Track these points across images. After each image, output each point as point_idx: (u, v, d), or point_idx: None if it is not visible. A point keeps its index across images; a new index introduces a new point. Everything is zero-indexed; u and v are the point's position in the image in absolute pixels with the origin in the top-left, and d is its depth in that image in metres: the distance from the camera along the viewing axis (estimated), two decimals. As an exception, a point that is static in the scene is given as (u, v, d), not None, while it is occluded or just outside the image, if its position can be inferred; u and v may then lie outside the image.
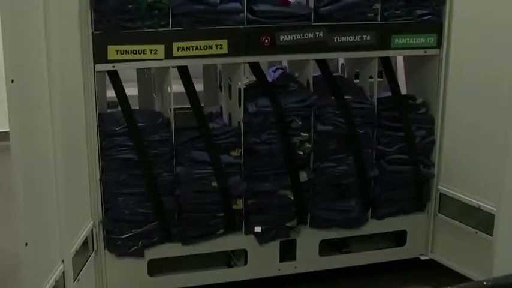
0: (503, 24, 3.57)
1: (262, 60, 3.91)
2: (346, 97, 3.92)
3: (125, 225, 3.72)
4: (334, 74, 4.10)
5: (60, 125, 3.06)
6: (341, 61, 4.42)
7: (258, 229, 3.92)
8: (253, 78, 3.91)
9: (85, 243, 3.54)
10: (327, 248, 4.17)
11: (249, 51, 3.71)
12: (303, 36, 3.75)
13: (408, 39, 3.92)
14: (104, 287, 3.78)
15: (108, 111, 3.90)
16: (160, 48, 3.56)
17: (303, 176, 3.92)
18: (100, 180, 3.64)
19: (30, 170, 2.83)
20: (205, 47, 3.62)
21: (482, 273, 3.75)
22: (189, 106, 3.77)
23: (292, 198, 3.93)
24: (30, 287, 2.82)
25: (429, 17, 3.91)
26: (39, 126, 2.94)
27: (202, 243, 3.87)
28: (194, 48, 3.61)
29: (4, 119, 2.63)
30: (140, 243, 3.76)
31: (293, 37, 3.73)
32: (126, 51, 3.51)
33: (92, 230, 3.65)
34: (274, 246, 4.00)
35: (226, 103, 4.01)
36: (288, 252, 4.05)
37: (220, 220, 3.87)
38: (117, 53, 3.50)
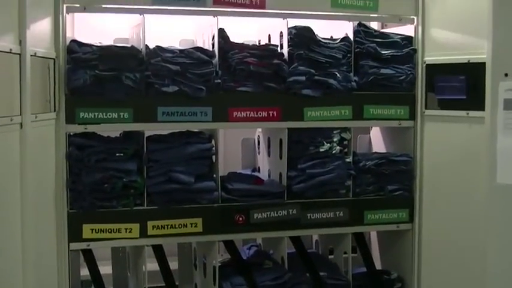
0: (473, 193, 3.63)
1: (237, 238, 3.93)
2: (321, 273, 3.92)
3: None
4: (308, 251, 4.12)
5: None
6: (315, 237, 4.44)
7: None
8: (228, 256, 3.91)
9: None
10: None
11: (224, 230, 3.74)
12: (277, 213, 3.80)
13: (380, 215, 3.99)
14: None
15: (82, 290, 3.85)
16: (135, 227, 3.58)
17: None
18: None
19: None
20: (180, 226, 3.65)
21: None
22: (164, 285, 3.74)
23: None
24: None
25: (400, 192, 4.00)
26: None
27: None
28: (169, 226, 3.63)
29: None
30: None
31: (267, 215, 3.78)
32: (101, 229, 3.53)
33: None
34: None
35: (201, 281, 3.97)
36: None
37: None
38: (92, 232, 3.52)
